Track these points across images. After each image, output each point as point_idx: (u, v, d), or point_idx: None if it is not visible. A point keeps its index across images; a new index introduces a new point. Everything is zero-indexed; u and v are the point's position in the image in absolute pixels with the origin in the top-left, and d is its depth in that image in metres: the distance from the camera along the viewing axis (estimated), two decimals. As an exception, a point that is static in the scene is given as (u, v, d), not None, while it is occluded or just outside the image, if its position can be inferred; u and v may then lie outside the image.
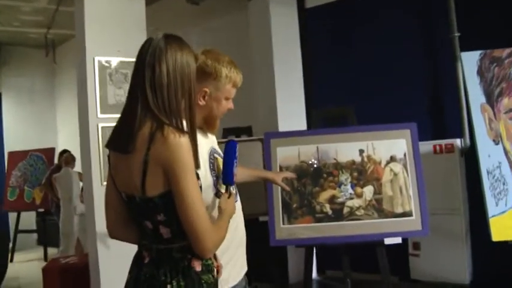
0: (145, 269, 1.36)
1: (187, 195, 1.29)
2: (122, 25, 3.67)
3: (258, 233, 2.39)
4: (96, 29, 3.55)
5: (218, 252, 1.49)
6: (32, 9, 5.47)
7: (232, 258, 1.68)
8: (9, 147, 6.86)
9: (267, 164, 2.93)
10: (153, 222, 1.36)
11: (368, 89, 4.01)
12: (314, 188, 2.88)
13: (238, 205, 1.75)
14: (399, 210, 2.78)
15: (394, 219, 2.77)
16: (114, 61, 3.57)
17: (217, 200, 1.58)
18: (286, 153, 2.94)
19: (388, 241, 2.72)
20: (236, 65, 1.75)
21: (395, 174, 2.84)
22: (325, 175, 2.89)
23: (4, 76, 7.09)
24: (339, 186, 2.87)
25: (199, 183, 1.38)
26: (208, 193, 1.59)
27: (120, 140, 1.36)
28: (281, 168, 2.92)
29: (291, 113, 4.34)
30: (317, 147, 2.93)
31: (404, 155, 2.85)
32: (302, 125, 4.31)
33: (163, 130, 1.30)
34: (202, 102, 1.67)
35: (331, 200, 2.85)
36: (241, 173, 2.00)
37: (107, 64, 3.56)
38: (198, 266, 1.35)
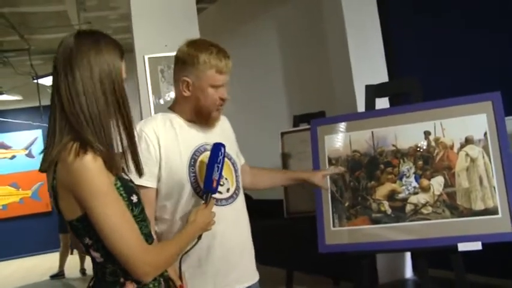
0: None
1: (104, 222, 1.14)
2: (170, 17, 3.50)
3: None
4: (144, 25, 3.44)
5: (189, 266, 1.49)
6: (119, 16, 5.65)
7: (212, 269, 1.57)
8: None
9: (314, 157, 2.50)
10: (84, 245, 1.22)
11: (464, 54, 3.30)
12: (369, 182, 2.38)
13: (230, 210, 1.61)
14: (479, 206, 2.16)
15: (472, 218, 2.16)
16: (164, 57, 3.41)
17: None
18: (335, 142, 2.49)
19: (463, 247, 2.11)
20: (221, 49, 1.59)
21: (473, 161, 2.21)
22: (382, 166, 2.37)
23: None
24: (400, 179, 2.33)
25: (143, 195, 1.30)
26: (185, 193, 1.55)
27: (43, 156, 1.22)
28: (330, 161, 2.47)
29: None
30: (371, 133, 2.41)
31: (485, 134, 2.20)
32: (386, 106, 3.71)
33: (66, 150, 1.13)
34: (186, 93, 1.59)
35: (391, 196, 2.32)
36: (272, 178, 1.99)
37: (157, 61, 3.42)
38: None
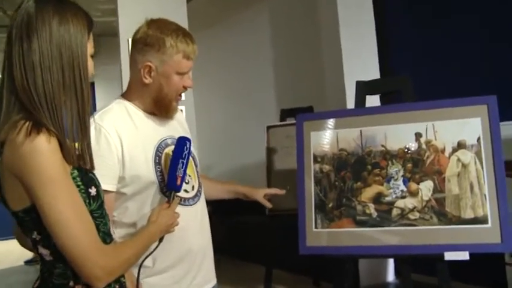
0: None
1: (53, 214, 1.00)
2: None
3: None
4: (129, 7, 3.29)
5: (154, 270, 1.40)
6: (106, -1, 5.51)
7: (179, 273, 1.47)
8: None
9: (299, 153, 2.38)
10: (31, 240, 1.07)
11: (459, 57, 3.20)
12: (355, 183, 2.27)
13: (195, 210, 1.50)
14: (469, 214, 2.06)
15: (460, 226, 2.05)
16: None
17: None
18: (321, 140, 2.37)
19: (449, 256, 2.01)
20: (187, 33, 1.44)
21: (465, 166, 2.10)
22: (369, 167, 2.26)
23: (96, 66, 7.19)
24: (388, 181, 2.22)
25: (92, 191, 1.10)
26: (152, 192, 1.42)
27: None
28: (316, 158, 2.35)
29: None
30: (360, 131, 2.30)
31: (478, 139, 2.09)
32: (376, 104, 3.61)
33: (15, 128, 1.00)
34: (148, 80, 1.43)
35: (377, 198, 2.21)
36: (213, 188, 1.77)
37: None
38: None
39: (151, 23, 1.47)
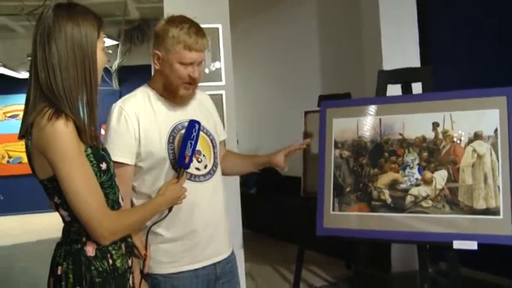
0: (54, 249, 1.36)
1: (69, 184, 1.22)
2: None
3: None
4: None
5: (165, 239, 1.56)
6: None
7: (189, 243, 1.61)
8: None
9: (321, 138, 2.48)
10: (55, 204, 1.32)
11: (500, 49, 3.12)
12: (372, 170, 2.34)
13: (206, 187, 1.64)
14: (481, 205, 2.08)
15: (472, 216, 2.08)
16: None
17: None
18: (343, 126, 2.45)
19: (458, 245, 2.05)
20: (193, 26, 1.58)
21: (480, 157, 2.12)
22: (386, 154, 2.32)
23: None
24: (403, 169, 2.27)
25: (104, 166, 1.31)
26: (164, 168, 1.57)
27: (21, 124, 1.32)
28: (336, 144, 2.45)
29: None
30: (380, 120, 2.36)
31: (496, 131, 2.10)
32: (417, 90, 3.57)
33: (41, 114, 1.22)
34: (157, 66, 1.60)
35: (392, 185, 2.28)
36: (241, 164, 1.93)
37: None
38: (91, 251, 1.30)
39: (169, 17, 1.63)
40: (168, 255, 1.59)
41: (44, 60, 1.25)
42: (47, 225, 6.99)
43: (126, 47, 8.03)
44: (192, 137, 1.52)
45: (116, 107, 1.59)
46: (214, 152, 1.70)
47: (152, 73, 1.68)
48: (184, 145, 1.52)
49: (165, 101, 1.65)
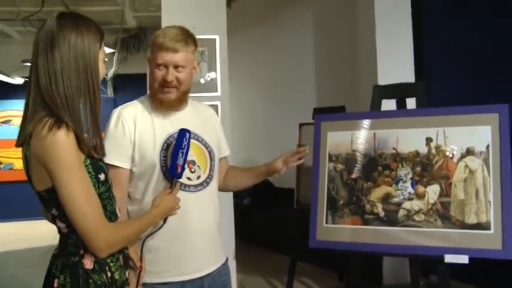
0: (50, 261, 1.34)
1: (67, 194, 1.21)
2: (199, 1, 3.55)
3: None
4: (173, 7, 3.50)
5: (152, 248, 1.55)
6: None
7: (175, 254, 1.60)
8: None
9: (315, 151, 2.51)
10: (51, 215, 1.30)
11: (496, 65, 3.18)
12: (366, 183, 2.37)
13: (197, 197, 1.64)
14: (472, 220, 2.11)
15: (463, 230, 2.11)
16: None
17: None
18: (337, 139, 2.48)
19: (449, 258, 2.08)
20: (174, 30, 1.60)
21: (472, 172, 2.15)
22: (380, 168, 2.35)
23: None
24: (396, 183, 2.30)
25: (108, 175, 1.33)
26: (155, 174, 1.58)
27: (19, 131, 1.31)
28: (330, 157, 2.47)
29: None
30: (374, 134, 2.39)
31: (487, 147, 2.14)
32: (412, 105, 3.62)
33: (41, 123, 1.21)
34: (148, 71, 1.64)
35: (385, 199, 2.30)
36: (243, 177, 1.91)
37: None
38: (89, 264, 1.28)
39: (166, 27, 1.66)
40: (154, 264, 1.58)
41: (45, 67, 1.24)
42: (39, 233, 6.95)
43: (122, 55, 8.05)
44: (183, 146, 1.52)
45: (116, 112, 1.62)
46: (211, 165, 1.70)
47: (147, 82, 1.70)
48: (175, 155, 1.52)
49: (163, 110, 1.66)
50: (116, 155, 1.51)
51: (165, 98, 1.61)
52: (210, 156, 1.70)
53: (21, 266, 5.37)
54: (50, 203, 1.28)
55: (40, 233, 7.18)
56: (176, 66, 1.58)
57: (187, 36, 1.60)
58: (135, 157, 1.58)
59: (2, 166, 8.87)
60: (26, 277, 4.65)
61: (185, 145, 1.52)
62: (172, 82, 1.58)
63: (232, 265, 3.67)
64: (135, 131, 1.58)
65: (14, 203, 8.34)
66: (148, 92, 1.71)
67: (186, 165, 1.56)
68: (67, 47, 1.25)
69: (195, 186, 1.64)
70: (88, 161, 1.28)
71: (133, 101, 1.69)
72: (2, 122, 8.89)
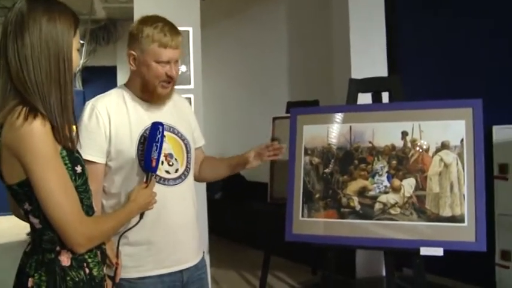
0: (21, 259, 1.26)
1: (43, 187, 1.16)
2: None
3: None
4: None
5: (132, 244, 1.52)
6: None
7: (155, 248, 1.57)
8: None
9: (291, 145, 2.48)
10: (23, 210, 1.23)
11: (467, 58, 3.23)
12: (342, 177, 2.37)
13: (176, 191, 1.61)
14: (447, 213, 2.13)
15: (438, 223, 2.13)
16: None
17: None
18: (313, 133, 2.46)
19: (424, 251, 2.10)
20: (168, 25, 1.57)
21: (446, 166, 2.18)
22: (356, 161, 2.35)
23: (119, 50, 7.51)
24: (372, 177, 2.31)
25: (80, 169, 1.25)
26: (133, 168, 1.54)
27: None
28: (306, 151, 2.46)
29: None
30: (350, 127, 2.39)
31: (462, 141, 2.16)
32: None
33: (15, 113, 1.14)
34: (133, 67, 1.59)
35: (361, 192, 2.31)
36: (219, 168, 1.89)
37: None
38: (66, 261, 1.22)
39: (143, 17, 1.60)
40: (132, 259, 1.54)
41: (15, 51, 1.16)
42: (5, 228, 6.74)
43: (91, 47, 7.86)
44: (156, 139, 1.48)
45: (89, 104, 1.56)
46: (187, 157, 1.67)
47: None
48: (149, 148, 1.48)
49: (140, 102, 1.61)
50: (90, 150, 1.45)
51: (164, 92, 1.59)
52: (187, 149, 1.67)
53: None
54: (22, 197, 1.20)
55: (2, 229, 6.99)
56: (176, 61, 1.58)
57: (179, 31, 1.59)
58: (111, 151, 1.52)
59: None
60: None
61: (159, 138, 1.48)
62: (174, 77, 1.58)
63: (206, 259, 3.63)
64: (110, 125, 1.52)
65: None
66: (121, 84, 1.65)
67: (163, 159, 1.52)
68: (38, 31, 1.17)
69: (174, 179, 1.61)
70: (64, 153, 1.21)
71: (106, 93, 1.62)
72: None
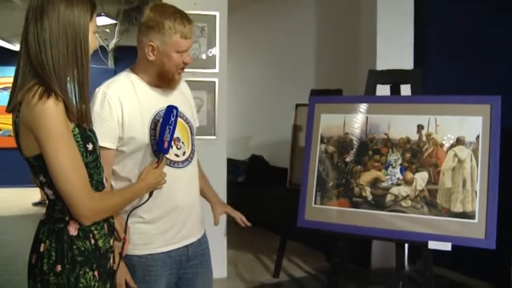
0: (37, 226, 1.36)
1: (54, 162, 1.24)
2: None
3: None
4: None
5: (140, 222, 1.60)
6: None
7: (163, 226, 1.65)
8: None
9: (308, 133, 2.52)
10: (39, 182, 1.33)
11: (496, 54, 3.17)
12: (356, 167, 2.39)
13: (184, 173, 1.69)
14: (458, 208, 2.14)
15: (448, 218, 2.15)
16: (193, 14, 3.44)
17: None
18: (330, 122, 2.50)
19: (433, 245, 2.12)
20: (184, 15, 1.63)
21: (460, 162, 2.18)
22: (371, 152, 2.37)
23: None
24: (386, 168, 2.33)
25: (96, 145, 1.35)
26: (145, 153, 1.60)
27: (9, 98, 1.33)
28: (322, 139, 2.49)
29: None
30: (366, 118, 2.40)
31: (477, 138, 2.16)
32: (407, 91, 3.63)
33: (31, 92, 1.23)
34: (151, 57, 1.63)
35: (374, 183, 2.33)
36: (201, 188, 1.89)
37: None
38: (73, 230, 1.31)
39: (154, 7, 1.64)
40: (142, 237, 1.63)
41: (35, 35, 1.24)
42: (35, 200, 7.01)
43: (124, 27, 7.97)
44: (170, 123, 1.54)
45: (100, 91, 1.61)
46: (192, 139, 1.74)
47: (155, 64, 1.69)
48: (162, 131, 1.54)
49: (148, 88, 1.67)
50: (103, 136, 1.50)
51: (180, 78, 1.69)
52: (191, 131, 1.74)
53: (14, 232, 5.44)
54: (37, 170, 1.30)
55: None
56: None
57: (191, 19, 1.65)
58: (123, 137, 1.58)
59: (1, 132, 8.88)
60: (17, 244, 4.71)
61: (172, 121, 1.54)
62: (190, 64, 1.66)
63: (223, 241, 3.72)
64: (122, 111, 1.58)
65: (14, 169, 8.33)
66: (134, 69, 1.69)
67: (172, 142, 1.58)
68: (56, 16, 1.25)
69: (182, 162, 1.67)
70: (77, 130, 1.30)
71: (115, 79, 1.67)
72: (1, 89, 8.87)
